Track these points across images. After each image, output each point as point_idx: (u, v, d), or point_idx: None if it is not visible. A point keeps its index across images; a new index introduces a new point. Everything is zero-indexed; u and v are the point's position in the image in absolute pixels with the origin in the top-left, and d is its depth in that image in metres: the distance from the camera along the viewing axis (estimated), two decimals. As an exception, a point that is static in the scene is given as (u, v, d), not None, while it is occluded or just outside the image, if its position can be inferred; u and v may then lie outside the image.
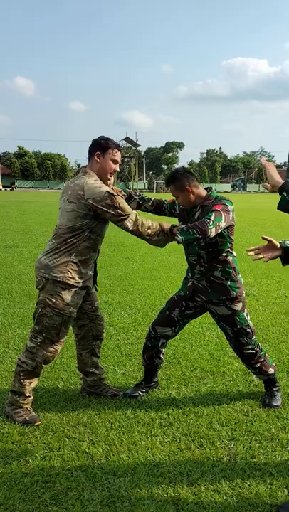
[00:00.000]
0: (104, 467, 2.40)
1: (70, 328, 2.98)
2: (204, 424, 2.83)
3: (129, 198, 3.05)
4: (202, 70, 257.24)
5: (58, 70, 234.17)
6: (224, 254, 2.87)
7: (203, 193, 2.87)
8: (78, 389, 3.26)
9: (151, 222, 2.79)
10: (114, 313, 5.13)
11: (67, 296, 2.72)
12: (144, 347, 3.17)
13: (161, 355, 3.17)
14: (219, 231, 2.66)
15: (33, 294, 5.86)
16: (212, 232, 2.59)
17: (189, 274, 3.04)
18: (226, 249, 2.87)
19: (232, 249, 2.91)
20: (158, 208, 3.10)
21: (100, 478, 2.31)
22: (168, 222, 2.90)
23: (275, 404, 3.04)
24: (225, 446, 2.60)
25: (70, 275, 2.70)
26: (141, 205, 3.08)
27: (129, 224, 2.71)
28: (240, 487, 2.26)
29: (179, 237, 2.58)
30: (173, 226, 2.79)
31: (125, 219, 2.70)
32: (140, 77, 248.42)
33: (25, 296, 5.83)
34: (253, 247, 2.27)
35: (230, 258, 2.90)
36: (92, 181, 2.71)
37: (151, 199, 3.10)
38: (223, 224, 2.65)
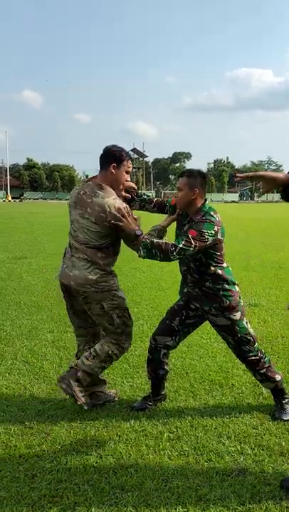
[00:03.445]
0: (112, 481, 2.37)
1: (74, 334, 3.24)
2: (213, 437, 2.79)
3: (131, 200, 3.14)
4: (206, 80, 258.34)
5: (60, 76, 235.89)
6: (212, 268, 2.88)
7: (199, 204, 2.88)
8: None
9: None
10: (122, 325, 5.11)
11: (119, 293, 3.00)
12: (147, 360, 3.17)
13: (165, 366, 3.15)
14: (185, 257, 2.77)
15: (41, 305, 5.88)
16: (174, 259, 2.73)
17: (184, 281, 3.08)
18: (214, 264, 2.88)
19: (221, 263, 2.90)
20: (160, 209, 3.19)
21: (108, 493, 2.28)
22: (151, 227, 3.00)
23: (284, 417, 3.00)
24: (234, 460, 2.57)
25: (112, 282, 2.96)
26: (143, 206, 3.18)
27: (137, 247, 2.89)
28: (249, 502, 2.22)
29: (142, 252, 2.75)
30: (140, 234, 2.80)
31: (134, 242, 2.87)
32: (143, 86, 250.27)
33: (34, 307, 5.85)
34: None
35: (219, 271, 2.89)
36: (112, 200, 2.80)
37: (153, 200, 3.19)
38: (190, 252, 2.71)
